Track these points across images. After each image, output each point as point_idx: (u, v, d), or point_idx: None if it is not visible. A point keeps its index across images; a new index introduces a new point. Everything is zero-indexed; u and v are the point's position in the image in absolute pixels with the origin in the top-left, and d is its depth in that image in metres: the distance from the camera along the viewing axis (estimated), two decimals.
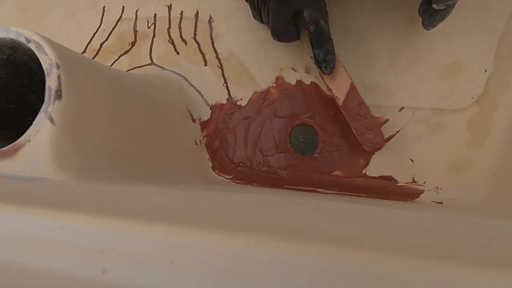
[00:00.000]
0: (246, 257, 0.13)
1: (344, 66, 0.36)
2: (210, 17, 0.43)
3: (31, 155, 0.21)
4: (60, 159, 0.22)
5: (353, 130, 0.36)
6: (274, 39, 0.37)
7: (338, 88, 0.36)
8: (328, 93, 0.37)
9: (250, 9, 0.39)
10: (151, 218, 0.14)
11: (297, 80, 0.40)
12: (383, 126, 0.38)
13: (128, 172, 0.27)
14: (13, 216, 0.14)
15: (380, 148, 0.36)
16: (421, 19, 0.34)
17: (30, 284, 0.14)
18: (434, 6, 0.31)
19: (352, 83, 0.36)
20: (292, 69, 0.41)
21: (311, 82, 0.40)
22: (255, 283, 0.12)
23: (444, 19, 0.33)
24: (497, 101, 0.35)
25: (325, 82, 0.36)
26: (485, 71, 0.36)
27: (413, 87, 0.38)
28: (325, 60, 0.35)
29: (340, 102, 0.36)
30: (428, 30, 0.34)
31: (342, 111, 0.36)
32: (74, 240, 0.14)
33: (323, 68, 0.36)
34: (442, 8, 0.31)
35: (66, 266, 0.13)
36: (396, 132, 0.38)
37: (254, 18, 0.39)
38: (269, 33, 0.37)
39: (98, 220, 0.14)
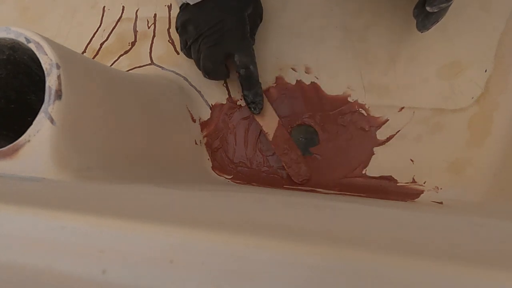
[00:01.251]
0: (246, 257, 0.13)
1: (272, 106, 0.40)
2: None
3: (31, 155, 0.21)
4: (60, 159, 0.22)
5: (283, 163, 0.39)
6: (205, 77, 0.39)
7: (267, 125, 0.39)
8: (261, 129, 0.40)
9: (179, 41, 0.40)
10: (151, 218, 0.14)
11: (297, 80, 0.40)
12: (383, 126, 0.38)
13: (128, 172, 0.27)
14: (13, 216, 0.14)
15: (307, 179, 0.39)
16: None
17: (30, 284, 0.14)
18: (428, 8, 0.31)
19: (279, 121, 0.39)
20: (292, 69, 0.41)
21: (311, 82, 0.40)
22: (255, 283, 0.12)
23: (438, 22, 0.33)
24: (497, 101, 0.35)
25: (255, 119, 0.39)
26: (485, 71, 0.36)
27: (413, 87, 0.38)
28: (254, 101, 0.38)
29: (270, 138, 0.39)
30: (422, 32, 0.34)
31: (272, 147, 0.39)
32: (74, 240, 0.14)
33: (252, 109, 0.38)
34: (436, 10, 0.31)
35: (66, 266, 0.13)
36: (396, 132, 0.38)
37: (181, 50, 0.41)
38: (269, 32, 0.37)
39: (98, 220, 0.14)
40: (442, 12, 0.32)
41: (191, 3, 0.36)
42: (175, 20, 0.39)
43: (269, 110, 0.39)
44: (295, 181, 0.39)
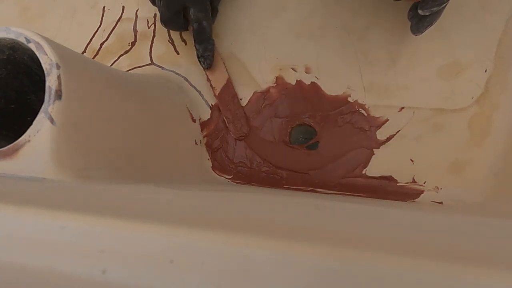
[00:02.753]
0: (246, 257, 0.13)
1: (224, 63, 0.41)
2: None
3: (31, 155, 0.21)
4: (60, 159, 0.22)
5: (224, 119, 0.41)
6: (162, 25, 0.40)
7: (216, 80, 0.41)
8: (209, 83, 0.42)
9: None
10: (151, 218, 0.14)
11: (297, 80, 0.40)
12: (383, 126, 0.38)
13: (128, 172, 0.27)
14: (13, 216, 0.14)
15: (245, 136, 0.41)
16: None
17: (30, 284, 0.14)
18: (420, 11, 0.31)
19: (229, 79, 0.41)
20: (292, 69, 0.41)
21: (311, 82, 0.40)
22: (255, 283, 0.12)
23: (432, 25, 0.33)
24: (497, 101, 0.35)
25: (206, 74, 0.41)
26: (485, 71, 0.36)
27: (413, 87, 0.38)
28: (203, 55, 0.39)
29: (216, 92, 0.41)
30: (416, 35, 0.34)
31: (217, 101, 0.41)
32: (74, 240, 0.14)
33: (202, 63, 0.40)
34: (427, 14, 0.31)
35: (66, 266, 0.13)
36: (396, 132, 0.38)
37: None
38: (269, 32, 0.38)
39: (98, 220, 0.14)
40: (435, 16, 0.33)
41: None
42: None
43: (220, 66, 0.41)
44: (234, 136, 0.41)
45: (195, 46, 0.39)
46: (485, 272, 0.12)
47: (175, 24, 0.40)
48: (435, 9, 0.31)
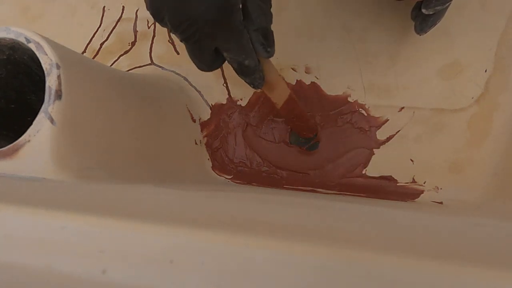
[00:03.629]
0: (246, 257, 0.13)
1: (283, 78, 0.35)
2: None
3: (31, 155, 0.21)
4: (60, 159, 0.22)
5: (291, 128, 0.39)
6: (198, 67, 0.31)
7: (276, 96, 0.36)
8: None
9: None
10: (151, 218, 0.14)
11: (297, 80, 0.40)
12: (383, 126, 0.38)
13: (128, 172, 0.27)
14: (13, 216, 0.14)
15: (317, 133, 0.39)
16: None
17: (30, 284, 0.14)
18: (424, 11, 0.31)
19: (291, 94, 0.36)
20: (292, 69, 0.41)
21: (311, 82, 0.40)
22: (255, 283, 0.12)
23: (435, 25, 0.33)
24: (497, 101, 0.35)
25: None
26: (485, 71, 0.36)
27: (413, 87, 0.38)
28: (252, 83, 0.32)
29: (278, 107, 0.36)
30: (420, 35, 0.34)
31: (283, 116, 0.39)
32: (74, 240, 0.14)
33: (253, 86, 0.33)
34: (431, 13, 0.31)
35: (66, 266, 0.13)
36: (396, 132, 0.38)
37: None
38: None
39: (98, 220, 0.14)
40: (439, 15, 0.33)
41: None
42: None
43: (278, 83, 0.34)
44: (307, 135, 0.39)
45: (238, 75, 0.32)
46: (485, 272, 0.12)
47: (212, 66, 0.30)
48: (439, 8, 0.31)
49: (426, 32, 0.34)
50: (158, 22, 0.27)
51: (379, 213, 0.24)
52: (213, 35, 0.27)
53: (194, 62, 0.30)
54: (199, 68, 0.31)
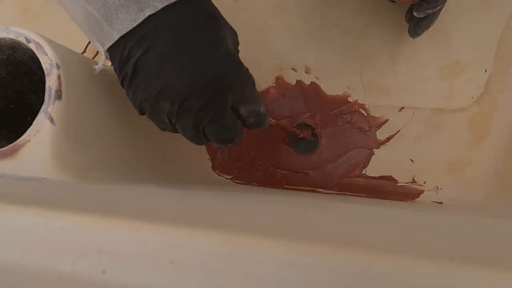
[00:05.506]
0: (246, 257, 0.13)
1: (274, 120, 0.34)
2: None
3: (31, 155, 0.21)
4: (60, 159, 0.22)
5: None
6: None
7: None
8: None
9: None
10: (151, 218, 0.14)
11: (297, 80, 0.40)
12: (383, 126, 0.38)
13: (128, 172, 0.27)
14: (13, 216, 0.14)
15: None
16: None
17: (30, 284, 0.14)
18: (415, 14, 0.31)
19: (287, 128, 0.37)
20: (292, 69, 0.41)
21: (311, 82, 0.40)
22: (255, 283, 0.12)
23: (429, 28, 0.33)
24: (497, 101, 0.35)
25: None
26: (485, 71, 0.36)
27: (413, 87, 0.38)
28: (265, 126, 0.29)
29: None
30: (414, 38, 0.34)
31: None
32: (74, 240, 0.14)
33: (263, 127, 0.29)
34: (422, 16, 0.31)
35: (66, 266, 0.13)
36: (396, 132, 0.37)
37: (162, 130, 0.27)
38: (270, 32, 0.36)
39: (98, 220, 0.14)
40: (432, 18, 0.33)
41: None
42: None
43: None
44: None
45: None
46: (485, 272, 0.12)
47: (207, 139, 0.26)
48: (430, 11, 0.31)
49: (419, 35, 0.34)
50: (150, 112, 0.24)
51: (379, 213, 0.24)
52: (228, 91, 0.23)
53: (190, 139, 0.26)
54: (199, 143, 0.26)
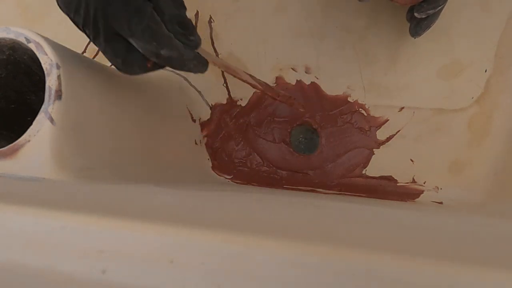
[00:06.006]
0: (246, 257, 0.13)
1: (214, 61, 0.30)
2: (210, 17, 0.43)
3: (31, 155, 0.21)
4: (60, 159, 0.22)
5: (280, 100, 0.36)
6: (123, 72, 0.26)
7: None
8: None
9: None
10: (151, 218, 0.14)
11: (297, 80, 0.40)
12: (383, 126, 0.38)
13: (128, 172, 0.27)
14: (13, 216, 0.14)
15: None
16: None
17: (30, 284, 0.14)
18: (416, 14, 0.31)
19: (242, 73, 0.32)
20: (292, 69, 0.41)
21: (311, 82, 0.40)
22: (255, 283, 0.12)
23: (430, 27, 0.33)
24: (497, 101, 0.35)
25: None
26: (485, 71, 0.36)
27: (413, 87, 0.38)
28: (192, 71, 0.27)
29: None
30: (415, 38, 0.35)
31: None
32: (74, 240, 0.14)
33: (192, 72, 0.27)
34: (423, 16, 0.31)
35: (66, 266, 0.13)
36: (396, 132, 0.37)
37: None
38: (269, 32, 0.36)
39: (98, 220, 0.14)
40: (433, 18, 0.33)
41: None
42: None
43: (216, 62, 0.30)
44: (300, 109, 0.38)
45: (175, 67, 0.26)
46: (485, 272, 0.12)
47: (135, 69, 0.26)
48: (431, 12, 0.31)
49: (420, 35, 0.34)
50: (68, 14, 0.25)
51: (379, 213, 0.24)
52: (112, 15, 0.23)
53: (114, 65, 0.25)
54: (118, 68, 0.26)
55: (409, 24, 0.35)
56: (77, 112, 0.23)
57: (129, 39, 0.24)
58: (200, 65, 0.27)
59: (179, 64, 0.26)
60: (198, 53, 0.27)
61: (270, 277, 0.12)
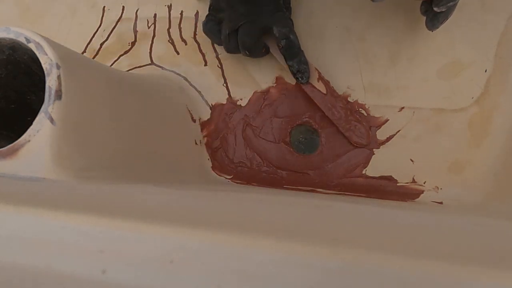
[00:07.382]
0: (246, 257, 0.13)
1: (318, 71, 0.39)
2: None
3: (31, 155, 0.21)
4: (60, 159, 0.22)
5: (339, 129, 0.38)
6: (245, 54, 0.38)
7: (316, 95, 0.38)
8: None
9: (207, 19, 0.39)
10: (151, 218, 0.14)
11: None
12: (383, 126, 0.38)
13: (128, 172, 0.27)
14: (13, 216, 0.14)
15: (368, 143, 0.38)
16: (422, 19, 0.34)
17: (30, 284, 0.14)
18: (435, 8, 0.31)
19: (328, 86, 0.38)
20: None
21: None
22: (255, 283, 0.12)
23: (447, 19, 0.33)
24: (497, 101, 0.35)
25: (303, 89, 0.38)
26: (485, 71, 0.36)
27: (413, 87, 0.38)
28: (300, 70, 0.37)
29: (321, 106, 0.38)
30: (432, 31, 0.34)
31: (325, 112, 0.38)
32: (74, 240, 0.14)
33: (300, 78, 0.38)
34: (443, 10, 0.31)
35: (66, 266, 0.13)
36: (396, 132, 0.37)
37: (204, 29, 0.40)
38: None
39: (98, 220, 0.14)
40: (450, 10, 0.32)
41: None
42: (175, 20, 0.39)
43: (314, 77, 0.38)
44: (355, 144, 0.38)
45: (287, 63, 0.37)
46: (485, 272, 0.12)
47: (258, 50, 0.38)
48: (451, 4, 0.31)
49: (437, 28, 0.34)
50: (212, 9, 0.40)
51: (379, 213, 0.24)
52: (264, 15, 0.36)
53: (244, 43, 0.37)
54: (247, 49, 0.37)
55: (425, 17, 0.34)
56: (77, 112, 0.23)
57: (273, 26, 0.36)
58: (307, 71, 0.38)
59: (296, 51, 0.37)
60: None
61: (270, 277, 0.12)
